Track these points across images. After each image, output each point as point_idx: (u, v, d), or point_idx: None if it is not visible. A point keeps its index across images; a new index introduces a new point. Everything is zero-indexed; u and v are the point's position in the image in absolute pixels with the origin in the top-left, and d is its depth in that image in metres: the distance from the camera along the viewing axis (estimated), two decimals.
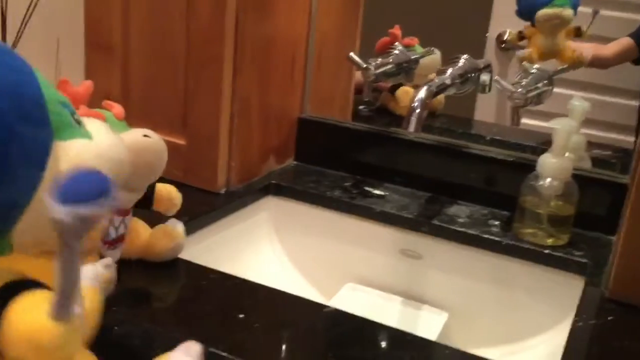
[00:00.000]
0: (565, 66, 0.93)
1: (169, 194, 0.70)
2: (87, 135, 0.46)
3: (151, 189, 0.68)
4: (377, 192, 0.95)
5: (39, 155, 0.40)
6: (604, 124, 0.94)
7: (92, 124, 0.49)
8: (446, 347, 0.61)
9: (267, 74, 0.93)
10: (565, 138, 0.81)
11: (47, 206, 0.35)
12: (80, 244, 0.36)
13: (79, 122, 0.47)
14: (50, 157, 0.41)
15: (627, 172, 0.83)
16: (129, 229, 0.64)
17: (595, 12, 0.91)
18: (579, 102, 0.87)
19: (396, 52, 0.97)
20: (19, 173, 0.39)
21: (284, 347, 0.60)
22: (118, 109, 0.63)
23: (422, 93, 0.78)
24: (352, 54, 0.93)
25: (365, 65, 0.91)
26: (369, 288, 0.90)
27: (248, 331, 0.59)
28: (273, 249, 0.95)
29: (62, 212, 0.33)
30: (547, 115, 0.85)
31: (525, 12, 0.94)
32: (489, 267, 0.85)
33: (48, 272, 0.41)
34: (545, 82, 0.89)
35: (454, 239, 0.86)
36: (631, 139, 0.93)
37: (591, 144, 0.91)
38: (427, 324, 0.85)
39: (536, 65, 0.91)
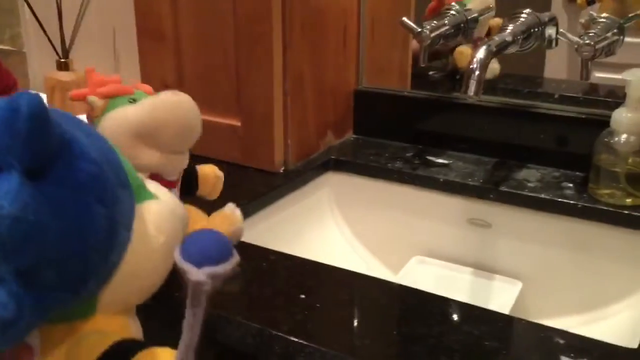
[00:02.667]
0: (637, 13, 0.85)
1: (213, 171, 0.70)
2: (153, 196, 0.47)
3: (193, 172, 0.68)
4: (440, 160, 0.91)
5: (129, 218, 0.42)
6: None
7: (150, 185, 0.50)
8: (517, 319, 0.58)
9: (319, 48, 0.90)
10: (639, 90, 0.75)
11: (182, 269, 0.37)
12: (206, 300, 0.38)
13: (142, 181, 0.48)
14: (134, 217, 0.43)
15: None
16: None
17: None
18: None
19: (452, 12, 0.93)
20: (123, 236, 0.41)
21: (348, 327, 0.59)
22: (148, 87, 0.64)
23: (480, 53, 0.74)
24: (404, 18, 0.89)
25: (419, 30, 0.87)
26: (437, 260, 0.88)
27: (310, 312, 0.58)
28: (336, 226, 0.94)
29: (199, 274, 0.36)
30: (620, 67, 0.79)
31: None
32: (564, 232, 0.80)
33: (128, 330, 0.44)
34: (616, 31, 0.82)
35: (525, 205, 0.82)
36: None
37: None
38: (501, 295, 0.81)
39: (604, 14, 0.84)
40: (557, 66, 0.97)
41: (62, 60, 1.15)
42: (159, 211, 0.45)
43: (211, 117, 0.87)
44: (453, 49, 1.00)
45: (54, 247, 0.36)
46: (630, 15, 0.86)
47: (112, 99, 0.61)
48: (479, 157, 0.91)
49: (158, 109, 0.58)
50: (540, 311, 0.80)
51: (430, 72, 1.04)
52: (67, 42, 1.16)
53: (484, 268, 0.86)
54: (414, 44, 0.99)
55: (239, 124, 0.88)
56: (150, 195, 0.46)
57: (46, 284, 0.36)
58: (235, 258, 0.39)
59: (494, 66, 0.96)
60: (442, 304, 0.61)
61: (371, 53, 0.99)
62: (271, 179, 0.87)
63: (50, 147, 0.36)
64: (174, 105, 0.59)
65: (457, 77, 0.99)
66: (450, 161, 0.91)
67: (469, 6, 0.93)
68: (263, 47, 0.83)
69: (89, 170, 0.38)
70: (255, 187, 0.83)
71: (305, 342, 0.52)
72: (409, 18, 0.92)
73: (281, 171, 0.88)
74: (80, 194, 0.38)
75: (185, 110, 0.60)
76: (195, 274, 0.36)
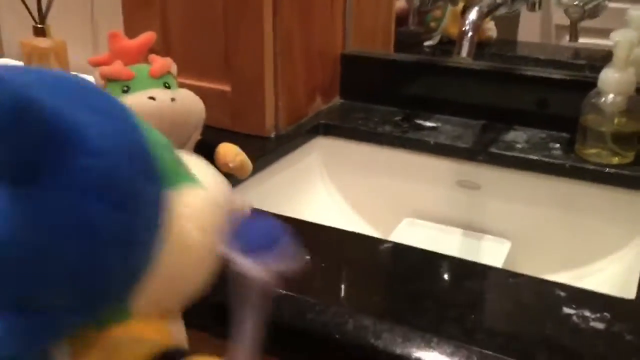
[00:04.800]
0: None
1: (233, 150, 0.66)
2: (193, 179, 0.40)
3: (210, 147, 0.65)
4: (429, 124, 0.92)
5: (157, 214, 0.35)
6: None
7: (190, 162, 0.42)
8: (517, 274, 0.60)
9: (307, 11, 0.90)
10: (627, 50, 0.76)
11: (237, 264, 0.33)
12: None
13: (179, 162, 0.40)
14: (167, 212, 0.36)
15: None
16: None
17: None
18: (638, 11, 0.82)
19: None
20: (146, 238, 0.35)
21: (357, 285, 0.59)
22: (158, 64, 0.60)
23: (472, 15, 0.74)
24: None
25: None
26: (428, 222, 0.89)
27: (313, 271, 0.59)
28: (327, 190, 0.94)
29: (257, 269, 0.32)
30: (602, 32, 0.81)
31: None
32: (552, 191, 0.82)
33: (168, 336, 0.39)
34: None
35: (513, 166, 0.83)
36: None
37: None
38: (490, 254, 0.83)
39: None
40: (530, 30, 0.99)
41: (39, 26, 1.12)
42: (198, 203, 0.38)
43: (200, 82, 0.86)
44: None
45: (55, 268, 0.31)
46: None
47: (109, 81, 0.58)
48: (467, 120, 0.92)
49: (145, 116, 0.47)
50: (530, 269, 0.81)
51: (425, 44, 1.03)
52: (44, 7, 1.12)
53: (474, 229, 0.87)
54: (398, 4, 0.99)
55: (228, 88, 0.87)
56: (189, 179, 0.39)
57: (52, 307, 0.32)
58: (290, 245, 0.35)
59: (493, 27, 0.96)
60: (440, 260, 0.62)
61: (357, 16, 0.99)
62: (262, 143, 0.86)
63: (38, 144, 0.29)
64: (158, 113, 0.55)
65: (444, 41, 1.00)
66: (439, 124, 0.92)
67: None
68: (253, 9, 0.82)
69: (93, 166, 0.31)
70: (246, 153, 0.83)
71: (314, 301, 0.53)
72: None
73: (272, 136, 0.88)
74: (81, 198, 0.31)
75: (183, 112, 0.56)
76: (253, 269, 0.32)
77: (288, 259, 0.34)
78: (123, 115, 0.35)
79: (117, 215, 0.32)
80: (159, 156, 0.36)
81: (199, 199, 0.38)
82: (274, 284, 0.34)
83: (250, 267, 0.33)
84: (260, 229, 0.35)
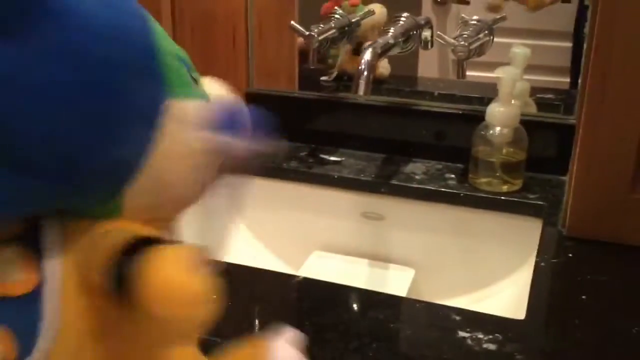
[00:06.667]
0: (503, 15, 0.94)
1: None
2: (204, 96, 0.41)
3: None
4: (333, 158, 0.95)
5: (152, 113, 0.36)
6: (541, 68, 0.96)
7: (208, 84, 0.44)
8: (417, 302, 0.63)
9: (209, 50, 0.91)
10: (510, 86, 0.83)
11: (224, 142, 0.35)
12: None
13: (195, 80, 0.42)
14: (164, 116, 0.37)
15: (572, 112, 0.86)
16: None
17: None
18: (520, 49, 0.89)
19: (337, 16, 0.97)
20: (130, 131, 0.35)
21: (260, 320, 0.60)
22: None
23: (367, 55, 0.78)
24: (293, 22, 0.92)
25: (308, 33, 0.90)
26: (336, 254, 0.91)
27: (224, 311, 0.59)
28: (236, 227, 0.95)
29: (245, 142, 0.35)
30: (490, 66, 0.86)
31: None
32: (450, 219, 0.86)
33: (155, 232, 0.39)
34: (486, 32, 0.90)
35: (413, 197, 0.87)
36: (567, 80, 0.95)
37: (533, 89, 0.93)
38: (395, 282, 0.86)
39: (475, 17, 0.92)
40: (429, 65, 1.04)
41: None
42: (198, 114, 0.39)
43: None
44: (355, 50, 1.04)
45: (29, 126, 0.32)
46: (497, 17, 0.95)
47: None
48: (369, 153, 0.96)
49: None
50: (433, 295, 0.86)
51: (323, 78, 1.06)
52: None
53: (380, 258, 0.90)
54: (299, 43, 1.03)
55: None
56: (198, 94, 0.40)
57: (40, 171, 0.33)
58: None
59: (386, 65, 1.01)
60: (347, 292, 0.64)
61: (260, 56, 1.01)
62: None
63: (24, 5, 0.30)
64: None
65: (344, 78, 1.03)
66: (343, 158, 0.95)
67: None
68: None
69: (80, 42, 0.32)
70: None
71: (214, 339, 0.53)
72: (295, 20, 0.95)
73: None
74: (64, 66, 0.32)
75: None
76: (241, 143, 0.35)
77: (266, 140, 0.37)
78: (136, 16, 0.36)
79: (90, 94, 0.33)
80: (166, 63, 0.37)
81: (202, 112, 0.39)
82: (257, 157, 0.37)
83: (237, 143, 0.35)
84: (241, 115, 0.37)
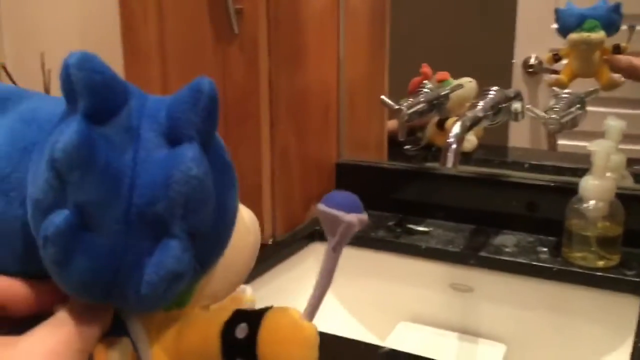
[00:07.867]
0: (596, 88, 0.93)
1: None
2: None
3: None
4: (420, 228, 0.96)
5: (232, 212, 0.41)
6: (638, 137, 0.94)
7: None
8: None
9: (303, 124, 0.95)
10: (604, 159, 0.81)
11: (332, 215, 0.38)
12: None
13: None
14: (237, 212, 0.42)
15: None
16: None
17: (631, 27, 0.91)
18: (614, 121, 0.87)
19: (425, 90, 0.99)
20: (231, 227, 0.40)
21: None
22: None
23: (456, 128, 0.79)
24: (383, 97, 0.95)
25: (397, 107, 0.93)
26: (423, 325, 0.90)
27: None
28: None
29: (351, 216, 0.38)
30: (584, 135, 0.86)
31: (562, 32, 0.93)
32: (542, 294, 0.84)
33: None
34: (578, 105, 0.89)
35: (504, 269, 0.86)
36: None
37: (631, 160, 0.91)
38: (486, 358, 0.84)
39: (567, 90, 0.91)
40: (520, 135, 1.04)
41: None
42: (248, 212, 0.46)
43: None
44: (439, 121, 1.06)
45: (212, 216, 0.37)
46: (590, 90, 0.94)
47: None
48: (458, 224, 0.96)
49: None
50: None
51: (406, 147, 1.08)
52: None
53: (468, 332, 0.89)
54: (389, 122, 1.05)
55: None
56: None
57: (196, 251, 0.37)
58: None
59: (471, 138, 1.02)
60: None
61: (351, 128, 1.05)
62: (261, 250, 0.89)
63: (215, 127, 0.37)
64: None
65: (432, 149, 1.05)
66: (431, 229, 0.95)
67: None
68: (252, 123, 0.88)
69: (227, 158, 0.39)
70: None
71: None
72: (385, 94, 0.98)
73: (270, 242, 0.91)
74: (224, 175, 0.38)
75: None
76: (348, 216, 0.38)
77: (366, 217, 0.40)
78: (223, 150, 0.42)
79: (235, 194, 0.39)
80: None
81: (248, 211, 0.44)
82: (357, 228, 0.39)
83: (344, 215, 0.38)
84: (345, 194, 0.41)
